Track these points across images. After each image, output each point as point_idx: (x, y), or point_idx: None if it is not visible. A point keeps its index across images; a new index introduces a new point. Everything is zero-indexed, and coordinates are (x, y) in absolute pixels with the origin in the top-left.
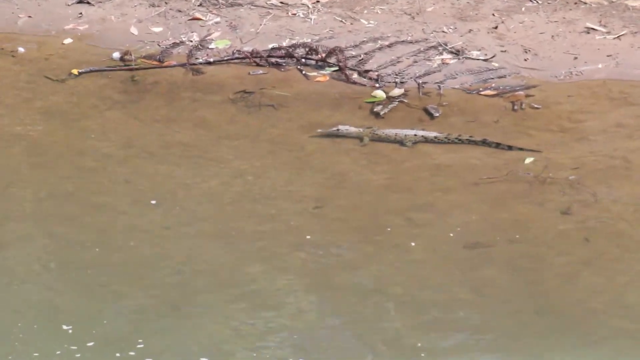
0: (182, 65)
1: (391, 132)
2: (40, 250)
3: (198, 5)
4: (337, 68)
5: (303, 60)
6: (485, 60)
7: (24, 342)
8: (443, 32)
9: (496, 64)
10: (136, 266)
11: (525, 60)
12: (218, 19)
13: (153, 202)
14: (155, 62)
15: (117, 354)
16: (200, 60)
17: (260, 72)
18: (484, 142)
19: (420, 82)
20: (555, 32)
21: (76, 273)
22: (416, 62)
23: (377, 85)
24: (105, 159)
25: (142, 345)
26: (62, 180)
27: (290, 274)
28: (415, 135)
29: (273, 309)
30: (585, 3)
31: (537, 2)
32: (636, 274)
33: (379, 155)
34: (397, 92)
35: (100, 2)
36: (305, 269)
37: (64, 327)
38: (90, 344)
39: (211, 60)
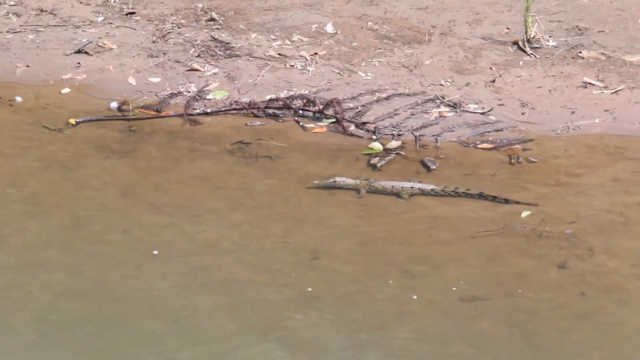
0: (180, 115)
1: (388, 184)
2: (35, 299)
3: (196, 57)
4: (334, 120)
5: (300, 111)
6: (482, 113)
7: None
8: (440, 85)
9: (493, 118)
10: (132, 315)
11: (523, 114)
12: (216, 70)
13: (155, 252)
14: (152, 112)
15: None
16: (198, 110)
17: (258, 123)
18: (481, 195)
19: (418, 134)
20: (552, 87)
21: (72, 323)
22: (413, 114)
23: (374, 137)
24: (102, 209)
25: None
26: (58, 229)
27: (287, 324)
28: (412, 187)
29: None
30: (582, 58)
31: (534, 56)
32: (633, 328)
33: (375, 207)
34: (394, 144)
35: (99, 52)
36: (302, 321)
37: None
38: None
39: (209, 110)
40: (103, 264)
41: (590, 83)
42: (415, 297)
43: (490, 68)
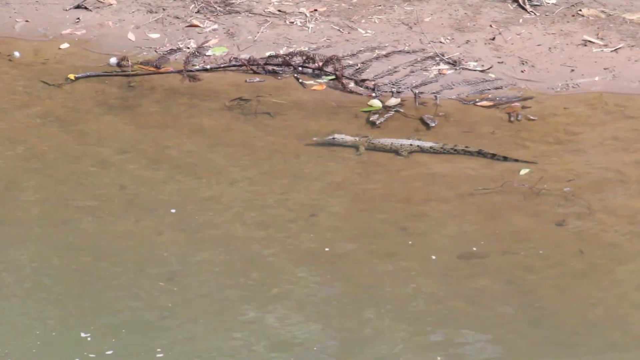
0: (179, 71)
1: (387, 141)
2: (34, 253)
3: (196, 12)
4: (334, 77)
5: (300, 68)
6: (482, 71)
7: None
8: (440, 42)
9: (493, 75)
10: (128, 271)
11: (522, 72)
12: (215, 26)
13: (153, 208)
14: (152, 69)
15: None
16: (197, 67)
17: (257, 79)
18: (480, 153)
19: (417, 92)
20: (552, 45)
21: (69, 277)
22: (413, 72)
23: (373, 94)
24: (100, 164)
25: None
26: (57, 184)
27: (284, 281)
28: (411, 145)
29: (261, 318)
30: (582, 16)
31: (534, 14)
32: (630, 285)
33: (374, 164)
34: (393, 101)
35: (98, 7)
36: (298, 277)
37: (52, 332)
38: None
39: (208, 67)
40: (100, 219)
41: (590, 41)
42: (413, 254)
43: (490, 26)
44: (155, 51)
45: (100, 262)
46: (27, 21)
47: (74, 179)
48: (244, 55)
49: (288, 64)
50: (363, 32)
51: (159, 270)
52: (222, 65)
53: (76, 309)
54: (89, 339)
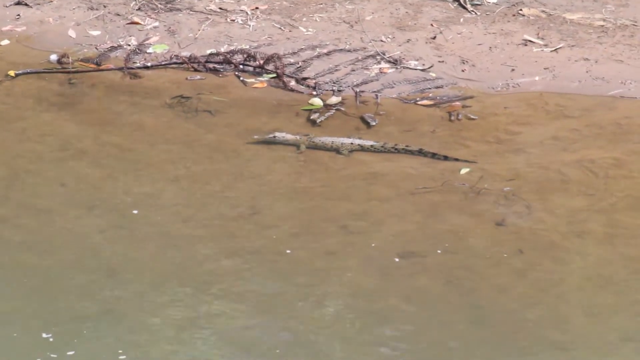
0: (120, 69)
1: (328, 140)
2: None
3: (137, 10)
4: (275, 75)
5: (241, 66)
6: (423, 70)
7: None
8: (381, 41)
9: (434, 74)
10: (68, 268)
11: (463, 71)
12: (157, 24)
13: (92, 205)
14: (92, 66)
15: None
16: (138, 64)
17: (198, 77)
18: (420, 152)
19: (358, 90)
20: (493, 44)
21: (9, 275)
22: (354, 70)
23: (314, 92)
24: (40, 161)
25: (71, 351)
26: None
27: (223, 280)
28: (352, 143)
29: (200, 318)
30: (523, 15)
31: (475, 13)
32: (569, 286)
33: (315, 162)
34: (334, 100)
35: (39, 4)
36: (237, 276)
37: None
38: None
39: (149, 64)
40: (41, 216)
41: (530, 41)
42: (352, 252)
43: (431, 24)
44: (96, 48)
45: (41, 259)
46: None
47: (14, 176)
48: (185, 53)
49: (229, 62)
50: (304, 30)
51: (99, 268)
52: (163, 63)
53: (19, 307)
54: (32, 335)
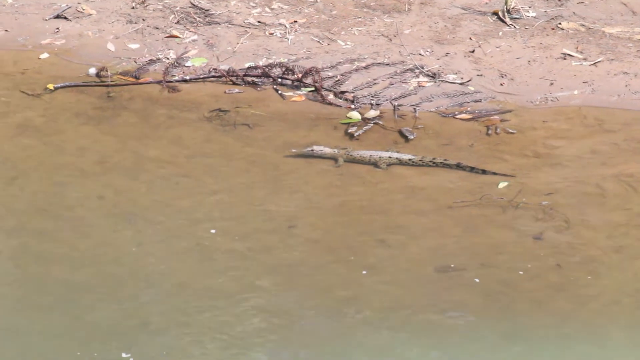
0: (159, 82)
1: (366, 153)
2: (11, 263)
3: (175, 23)
4: (313, 88)
5: (279, 79)
6: (461, 84)
7: None
8: (420, 54)
9: (472, 88)
10: (108, 281)
11: (501, 84)
12: (195, 37)
13: (131, 218)
14: (131, 79)
15: None
16: (177, 77)
17: (236, 90)
18: (458, 166)
19: (396, 104)
20: (531, 58)
21: (47, 287)
22: (392, 84)
23: (352, 106)
24: (79, 174)
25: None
26: (35, 194)
27: (263, 293)
28: (390, 157)
29: (240, 335)
30: (562, 29)
31: (514, 27)
32: (607, 300)
33: (353, 176)
34: (372, 113)
35: (78, 17)
36: (277, 289)
37: (33, 344)
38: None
39: (187, 78)
40: (79, 229)
41: (569, 54)
42: (391, 266)
43: (470, 38)
44: (135, 61)
45: (78, 272)
46: (6, 31)
47: (52, 189)
48: (224, 66)
49: (267, 75)
50: (343, 43)
51: (138, 281)
52: (201, 76)
53: (55, 320)
54: (68, 348)
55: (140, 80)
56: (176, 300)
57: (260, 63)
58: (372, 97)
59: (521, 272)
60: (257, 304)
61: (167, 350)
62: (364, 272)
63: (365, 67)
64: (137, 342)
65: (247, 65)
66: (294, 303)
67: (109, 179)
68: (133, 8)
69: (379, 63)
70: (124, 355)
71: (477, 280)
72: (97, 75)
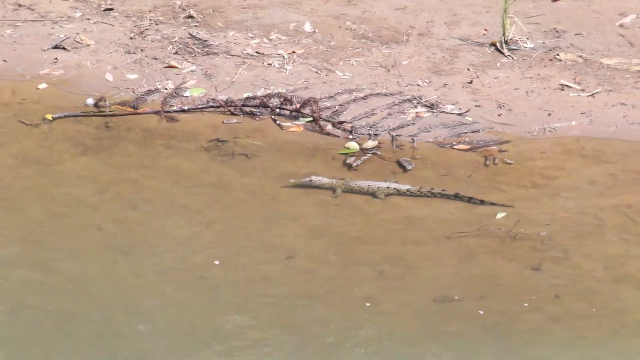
0: (157, 112)
1: (364, 183)
2: (9, 294)
3: (174, 54)
4: (311, 119)
5: (277, 110)
6: (459, 114)
7: None
8: (418, 85)
9: (470, 119)
10: (105, 311)
11: (499, 115)
12: (193, 67)
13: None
14: (129, 109)
15: None
16: (175, 107)
17: (235, 121)
18: (456, 196)
19: (394, 134)
20: (529, 88)
21: (45, 319)
22: (390, 114)
23: (350, 136)
24: (77, 205)
25: None
26: (33, 225)
27: (261, 324)
28: (388, 187)
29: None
30: (560, 60)
31: (512, 58)
32: (606, 331)
33: (351, 206)
34: (370, 144)
35: (76, 48)
36: (276, 320)
37: None
38: None
39: (186, 108)
40: (77, 260)
41: (567, 85)
42: (390, 297)
43: (468, 69)
44: (133, 92)
45: (77, 303)
46: (4, 61)
47: (51, 220)
48: (222, 97)
49: (265, 106)
50: (341, 74)
51: (136, 312)
52: (199, 106)
53: (52, 352)
54: None
55: (138, 111)
56: (175, 332)
57: (259, 93)
58: (370, 127)
59: (520, 304)
60: (256, 337)
61: None
62: (368, 304)
63: (364, 98)
64: None
65: (245, 95)
66: (292, 334)
67: (107, 210)
68: (131, 38)
69: (377, 93)
70: None
71: (481, 312)
72: (96, 105)
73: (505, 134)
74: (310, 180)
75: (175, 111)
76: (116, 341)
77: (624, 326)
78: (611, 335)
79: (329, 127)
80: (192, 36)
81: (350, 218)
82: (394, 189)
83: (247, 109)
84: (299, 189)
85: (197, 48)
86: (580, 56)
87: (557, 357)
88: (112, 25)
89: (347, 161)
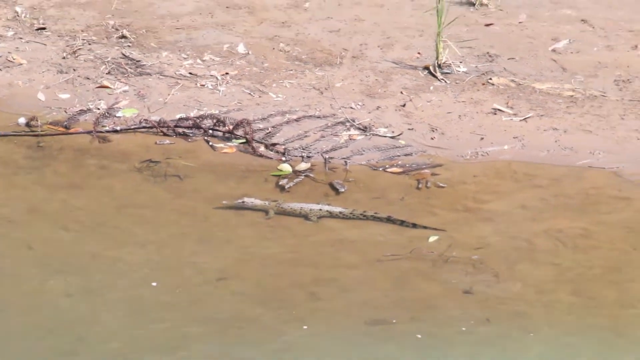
0: (89, 132)
1: (296, 206)
2: None
3: (106, 73)
4: (244, 140)
5: (210, 131)
6: (392, 137)
7: None
8: (351, 108)
9: (403, 142)
10: (35, 332)
11: (432, 139)
12: (126, 88)
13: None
14: (61, 129)
15: None
16: (107, 128)
17: (167, 142)
18: (389, 219)
19: (327, 157)
20: (462, 112)
21: None
22: (323, 137)
23: (283, 158)
24: (8, 225)
25: None
26: None
27: (191, 346)
28: (321, 209)
29: None
30: (493, 84)
31: (445, 82)
32: (536, 355)
33: (283, 228)
34: (303, 166)
35: (8, 67)
36: (205, 343)
37: None
38: None
39: (118, 128)
40: (7, 280)
41: (499, 109)
42: (320, 319)
43: (401, 92)
44: (65, 111)
45: (6, 323)
46: None
47: None
48: (155, 117)
49: (198, 127)
50: (274, 96)
51: (66, 332)
52: (132, 127)
53: None
54: None
55: (70, 130)
56: (105, 352)
57: (192, 114)
58: (303, 149)
59: (451, 326)
60: (185, 356)
61: None
62: (294, 325)
63: (297, 120)
64: None
65: (178, 116)
66: (222, 356)
67: (38, 229)
68: (64, 58)
69: (310, 116)
70: None
71: (419, 336)
72: (27, 124)
73: (438, 157)
74: (243, 202)
75: (108, 131)
76: None
77: (554, 350)
78: (542, 357)
79: (261, 148)
80: (125, 56)
81: (282, 240)
82: (327, 211)
83: (180, 130)
84: (231, 211)
85: (130, 68)
86: (513, 80)
87: None
88: (45, 44)
89: (280, 183)
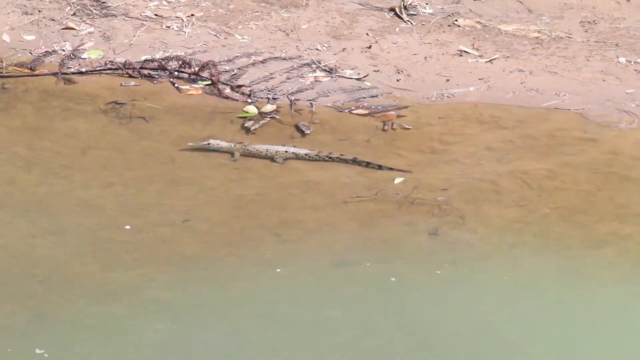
0: (54, 74)
1: (262, 147)
2: None
3: (72, 15)
4: (210, 82)
5: (176, 73)
6: (358, 79)
7: None
8: (317, 49)
9: (369, 84)
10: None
11: (398, 80)
12: (92, 29)
13: (26, 209)
14: (26, 70)
15: None
16: (73, 69)
17: (133, 83)
18: (355, 161)
19: (293, 99)
20: (428, 54)
21: None
22: (289, 78)
23: (249, 100)
24: None
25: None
26: None
27: (157, 286)
28: (286, 151)
29: (133, 322)
30: (459, 26)
31: (411, 23)
32: (502, 296)
33: (249, 170)
34: (269, 108)
35: None
36: (169, 283)
37: None
38: None
39: (83, 70)
40: None
41: (465, 51)
42: (286, 260)
43: (367, 34)
44: (30, 53)
45: None
46: None
47: None
48: (120, 59)
49: (164, 69)
50: (240, 37)
51: (30, 273)
52: (97, 69)
53: None
54: None
55: (35, 72)
56: (71, 292)
57: (157, 56)
58: (269, 91)
59: (417, 267)
60: (151, 297)
61: (78, 344)
62: (260, 266)
63: (263, 62)
64: (43, 335)
65: (143, 58)
66: (187, 296)
67: (2, 171)
68: None
69: (276, 57)
70: (37, 351)
71: (373, 275)
72: None
73: (404, 99)
74: (209, 144)
75: (73, 73)
76: (12, 301)
77: (519, 290)
78: (507, 300)
79: (227, 90)
80: None
81: (248, 182)
82: (293, 153)
83: (146, 72)
84: (197, 153)
85: (95, 10)
86: (478, 22)
87: (450, 325)
88: None
89: (246, 125)
